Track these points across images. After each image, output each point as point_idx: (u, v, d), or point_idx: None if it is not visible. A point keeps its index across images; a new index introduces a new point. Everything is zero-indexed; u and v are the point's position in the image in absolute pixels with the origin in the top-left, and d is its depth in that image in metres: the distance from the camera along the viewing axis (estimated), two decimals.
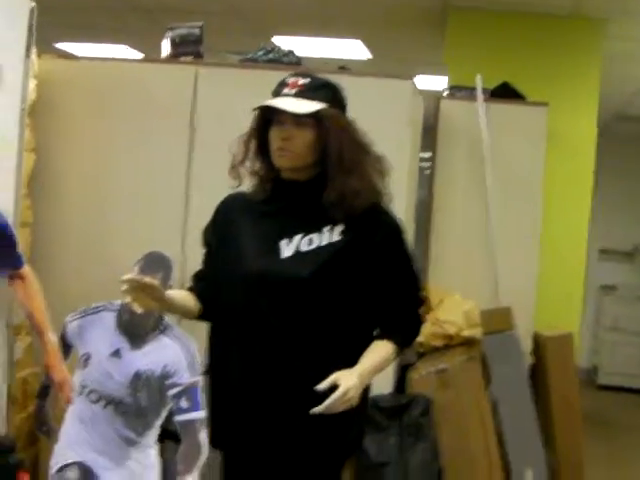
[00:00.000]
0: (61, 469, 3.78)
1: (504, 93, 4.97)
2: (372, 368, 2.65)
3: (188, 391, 3.77)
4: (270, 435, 2.70)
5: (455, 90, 5.10)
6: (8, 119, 3.70)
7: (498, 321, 4.46)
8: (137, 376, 3.79)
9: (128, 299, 2.55)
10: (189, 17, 6.71)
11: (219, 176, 4.20)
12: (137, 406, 3.79)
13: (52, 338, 3.71)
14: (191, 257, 4.21)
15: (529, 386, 4.52)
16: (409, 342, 2.81)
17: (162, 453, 3.90)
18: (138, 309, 2.60)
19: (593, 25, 5.65)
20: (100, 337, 3.91)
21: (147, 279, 2.59)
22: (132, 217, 4.35)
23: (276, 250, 2.71)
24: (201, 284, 2.91)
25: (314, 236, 2.70)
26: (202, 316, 2.88)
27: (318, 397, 2.55)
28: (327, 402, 2.48)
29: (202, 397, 3.78)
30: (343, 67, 4.79)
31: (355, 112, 4.06)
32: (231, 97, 4.25)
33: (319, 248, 2.69)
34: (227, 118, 4.24)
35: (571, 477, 4.70)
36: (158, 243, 4.13)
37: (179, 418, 3.76)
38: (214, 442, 2.91)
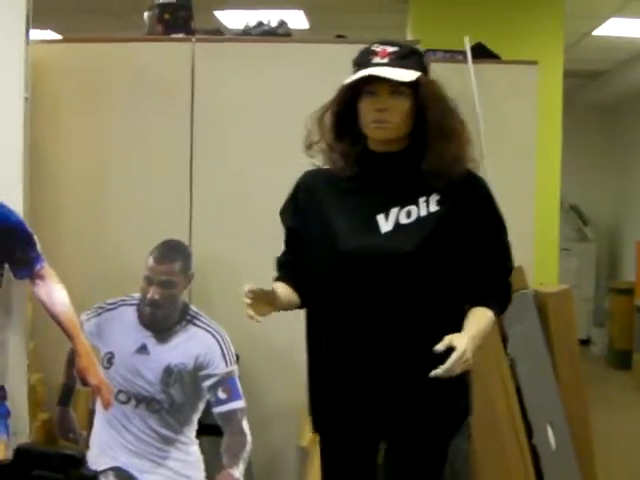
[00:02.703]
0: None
1: (479, 53, 4.91)
2: (479, 332, 2.59)
3: (225, 381, 3.65)
4: (384, 407, 2.65)
5: (430, 53, 5.01)
6: (11, 110, 3.47)
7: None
8: (168, 371, 3.64)
9: (250, 312, 2.49)
10: None
11: (222, 153, 4.11)
12: (171, 402, 3.64)
13: (84, 340, 3.50)
14: (198, 241, 4.07)
15: (544, 343, 4.52)
16: (504, 309, 2.76)
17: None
18: (258, 319, 2.49)
19: None
20: (122, 334, 3.74)
21: (267, 288, 2.52)
22: (134, 204, 4.12)
23: (374, 226, 2.62)
24: (292, 271, 2.81)
25: (411, 208, 2.62)
26: (303, 304, 2.79)
27: (428, 366, 2.51)
28: (447, 364, 2.42)
29: (239, 385, 3.66)
30: (341, 35, 4.64)
31: None
32: (230, 72, 4.12)
33: (419, 220, 2.61)
34: (227, 93, 4.11)
35: (579, 430, 4.73)
36: (163, 230, 3.96)
37: (218, 410, 3.64)
38: (319, 425, 2.83)
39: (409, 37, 5.99)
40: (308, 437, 4.00)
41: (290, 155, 4.06)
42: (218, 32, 4.74)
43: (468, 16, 5.66)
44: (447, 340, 2.45)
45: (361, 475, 2.82)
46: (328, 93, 4.02)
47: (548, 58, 5.58)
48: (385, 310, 2.59)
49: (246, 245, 4.11)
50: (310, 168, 2.83)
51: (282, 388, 4.07)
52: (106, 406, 3.45)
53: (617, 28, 7.09)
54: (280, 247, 3.99)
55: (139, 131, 4.10)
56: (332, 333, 2.70)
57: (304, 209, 2.78)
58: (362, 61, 2.61)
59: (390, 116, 2.58)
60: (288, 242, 2.87)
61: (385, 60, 2.57)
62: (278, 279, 2.81)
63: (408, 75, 2.55)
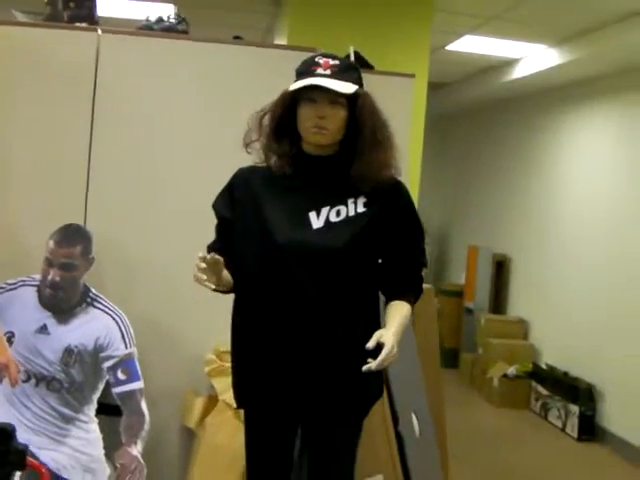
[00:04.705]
0: None
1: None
2: (401, 326, 2.86)
3: (124, 363, 3.77)
4: (304, 392, 2.88)
5: None
6: None
7: None
8: (68, 351, 3.72)
9: (202, 277, 2.60)
10: None
11: (121, 143, 4.21)
12: (71, 382, 3.72)
13: None
14: (94, 225, 4.12)
15: (414, 335, 4.80)
16: (417, 300, 3.02)
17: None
18: (211, 286, 2.62)
19: None
20: (22, 314, 3.79)
21: (215, 256, 2.65)
22: (32, 188, 4.11)
23: (306, 222, 2.84)
24: (224, 258, 2.96)
25: (341, 208, 2.87)
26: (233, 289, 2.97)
27: (347, 354, 2.85)
28: (379, 360, 2.67)
29: (139, 367, 3.79)
30: (238, 37, 4.77)
31: (255, 83, 4.18)
32: (133, 64, 4.18)
33: (347, 219, 2.86)
34: (129, 84, 4.19)
35: (437, 420, 5.04)
36: (58, 213, 4.03)
37: (118, 390, 3.75)
38: (242, 402, 3.03)
39: (281, 41, 6.16)
40: (195, 419, 4.17)
41: (185, 146, 4.26)
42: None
43: (343, 22, 5.88)
44: (376, 337, 2.70)
45: (279, 453, 3.04)
46: (223, 91, 4.23)
47: (415, 70, 5.85)
48: (311, 300, 2.82)
49: (140, 231, 4.21)
50: (244, 165, 3.03)
51: (168, 370, 4.20)
52: (13, 384, 3.50)
53: (469, 45, 7.52)
54: (175, 231, 4.19)
55: (40, 115, 4.10)
56: (260, 319, 2.90)
57: (239, 202, 2.97)
58: (305, 70, 2.85)
59: (328, 123, 2.82)
60: (220, 232, 3.04)
61: (327, 72, 2.81)
62: None
63: (347, 88, 2.80)
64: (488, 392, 8.60)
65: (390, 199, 2.93)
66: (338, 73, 2.82)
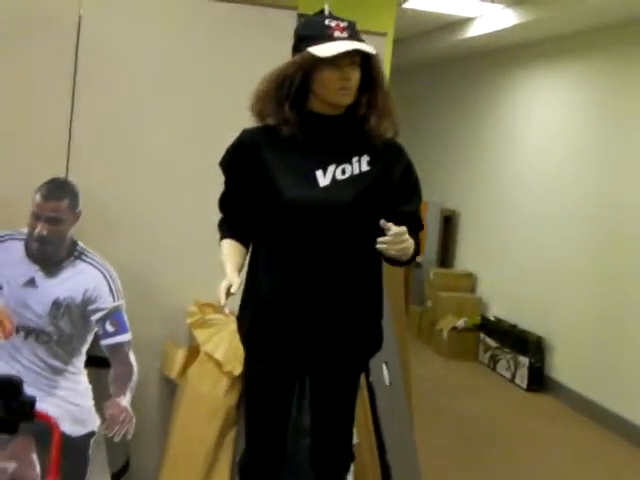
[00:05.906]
0: None
1: None
2: (410, 238, 2.91)
3: (112, 315, 3.80)
4: (315, 336, 3.01)
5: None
6: None
7: None
8: (56, 304, 3.75)
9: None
10: None
11: (105, 96, 4.21)
12: (60, 334, 3.75)
13: None
14: (76, 179, 4.11)
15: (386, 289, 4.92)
16: (414, 258, 3.11)
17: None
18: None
19: None
20: (9, 267, 3.80)
21: (234, 285, 2.90)
22: (12, 142, 4.09)
23: (313, 180, 2.94)
24: (234, 220, 3.13)
25: (346, 166, 2.98)
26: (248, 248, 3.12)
27: (355, 305, 3.02)
28: (389, 236, 2.76)
29: (126, 319, 3.84)
30: None
31: (234, 41, 4.21)
32: (116, 24, 4.17)
33: (352, 177, 2.97)
34: (114, 36, 4.17)
35: (404, 371, 5.20)
36: (41, 167, 4.02)
37: (106, 342, 3.79)
38: (250, 344, 3.15)
39: None
40: (176, 369, 4.25)
41: (171, 99, 4.27)
42: None
43: None
44: (391, 224, 2.77)
45: (280, 399, 3.14)
46: (212, 44, 4.24)
47: (382, 27, 5.90)
48: (322, 253, 2.95)
49: (124, 183, 4.22)
50: (248, 126, 3.10)
51: (149, 321, 4.25)
52: (7, 335, 3.56)
53: (426, 3, 7.60)
54: (158, 184, 4.23)
55: (20, 67, 4.08)
56: (273, 273, 3.01)
57: (246, 163, 3.05)
58: (320, 35, 2.88)
59: (352, 84, 2.91)
60: (229, 187, 3.13)
61: (345, 34, 2.87)
62: (224, 237, 3.12)
63: (372, 49, 2.88)
64: (437, 344, 8.82)
65: (392, 159, 3.05)
66: (354, 35, 2.90)
